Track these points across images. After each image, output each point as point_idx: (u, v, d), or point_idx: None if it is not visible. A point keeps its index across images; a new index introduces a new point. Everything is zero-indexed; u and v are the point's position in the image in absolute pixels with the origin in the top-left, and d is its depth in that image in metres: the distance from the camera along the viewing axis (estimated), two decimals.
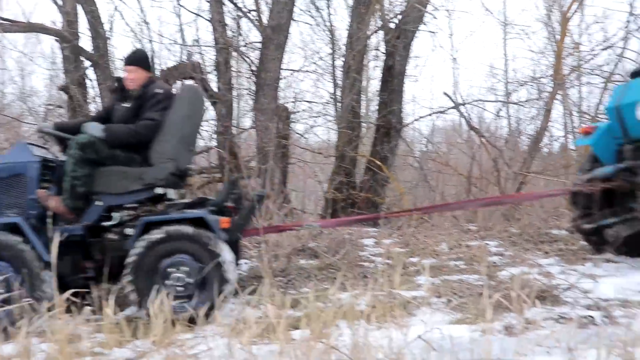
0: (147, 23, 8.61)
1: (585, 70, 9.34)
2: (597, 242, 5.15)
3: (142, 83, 4.35)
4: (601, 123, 5.49)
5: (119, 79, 4.54)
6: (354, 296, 4.22)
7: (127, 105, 4.32)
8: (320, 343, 2.79)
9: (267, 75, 7.43)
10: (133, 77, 4.35)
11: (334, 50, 8.28)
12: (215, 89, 8.19)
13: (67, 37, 7.61)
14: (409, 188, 8.66)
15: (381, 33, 8.33)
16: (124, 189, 4.13)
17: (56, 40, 7.98)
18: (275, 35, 7.41)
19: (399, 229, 6.77)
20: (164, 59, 8.70)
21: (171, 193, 4.31)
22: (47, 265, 3.65)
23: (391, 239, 6.23)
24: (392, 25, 8.08)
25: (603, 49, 8.95)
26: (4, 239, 3.85)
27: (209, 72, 8.50)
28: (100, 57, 7.77)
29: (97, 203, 4.12)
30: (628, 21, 8.79)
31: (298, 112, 9.42)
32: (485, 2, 13.82)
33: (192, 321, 3.55)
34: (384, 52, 8.23)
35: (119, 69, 5.43)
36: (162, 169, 4.15)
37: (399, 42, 7.84)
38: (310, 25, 8.79)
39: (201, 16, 8.14)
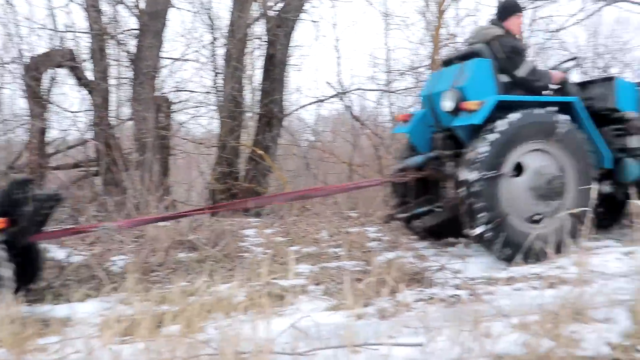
0: (11, 5, 8.01)
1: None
2: (415, 231, 5.32)
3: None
4: (418, 110, 5.53)
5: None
6: (231, 288, 4.19)
7: None
8: (188, 338, 2.70)
9: (144, 64, 7.14)
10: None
11: (215, 39, 8.10)
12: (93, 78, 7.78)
13: None
14: (292, 177, 8.67)
15: (264, 21, 8.25)
16: None
17: None
18: (152, 22, 7.14)
19: (281, 218, 6.77)
20: (34, 45, 8.09)
21: None
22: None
23: (272, 228, 6.22)
24: (272, 14, 8.01)
25: None
26: None
27: (84, 60, 8.04)
28: None
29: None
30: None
31: (180, 102, 9.13)
32: None
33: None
34: (266, 40, 8.16)
35: None
36: None
37: (280, 30, 7.80)
38: (191, 12, 8.50)
39: (72, 1, 7.64)
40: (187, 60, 8.69)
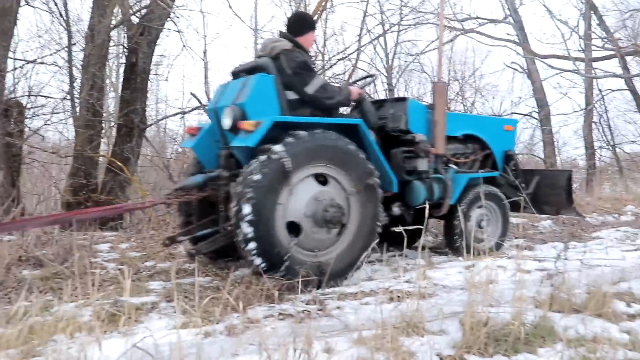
0: None
1: (326, 79, 10.01)
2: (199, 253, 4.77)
3: None
4: (206, 124, 5.12)
5: None
6: (77, 307, 4.00)
7: None
8: None
9: None
10: None
11: (73, 42, 7.70)
12: None
13: None
14: (151, 189, 8.40)
15: (125, 28, 7.99)
16: None
17: None
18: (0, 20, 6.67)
19: (139, 232, 6.56)
20: None
21: None
22: None
23: (128, 243, 6.00)
24: (135, 21, 7.78)
25: (340, 59, 9.68)
26: None
27: None
28: None
29: None
30: (360, 36, 9.64)
31: (34, 107, 8.58)
32: (234, 7, 13.96)
33: None
34: (127, 48, 7.90)
35: None
36: None
37: (143, 38, 7.58)
38: (47, 12, 8.03)
39: None
40: (42, 63, 8.21)
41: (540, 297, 3.48)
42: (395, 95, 12.42)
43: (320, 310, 3.62)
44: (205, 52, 8.94)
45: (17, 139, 7.78)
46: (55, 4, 7.73)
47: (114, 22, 7.64)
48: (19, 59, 7.90)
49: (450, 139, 5.55)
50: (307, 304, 3.80)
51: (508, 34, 13.60)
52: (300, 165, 4.22)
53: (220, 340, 3.16)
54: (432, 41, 12.55)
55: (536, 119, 13.43)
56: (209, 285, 4.40)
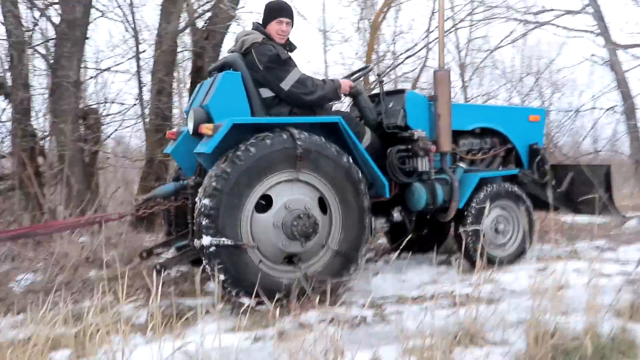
0: None
1: (393, 77, 9.82)
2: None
3: None
4: (185, 127, 4.61)
5: None
6: (136, 308, 4.03)
7: None
8: None
9: (62, 74, 6.87)
10: None
11: (141, 50, 7.89)
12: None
13: None
14: None
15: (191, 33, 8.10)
16: None
17: None
18: (70, 31, 6.88)
19: None
20: None
21: None
22: None
23: None
24: (200, 25, 7.87)
25: (408, 57, 9.46)
26: None
27: (4, 70, 7.69)
28: None
29: None
30: (428, 32, 9.38)
31: (109, 114, 8.84)
32: (300, 9, 13.88)
33: None
34: (193, 52, 8.00)
35: None
36: None
37: (208, 42, 7.65)
38: (118, 21, 8.26)
39: None
40: (115, 71, 8.45)
41: (619, 306, 3.16)
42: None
43: (376, 315, 3.47)
44: None
45: (93, 144, 8.02)
46: (124, 14, 7.91)
47: (179, 27, 7.72)
48: (93, 68, 8.16)
49: (462, 134, 5.02)
50: (362, 307, 3.64)
51: (587, 25, 12.94)
52: (261, 176, 3.82)
53: (269, 346, 3.06)
54: (506, 36, 12.05)
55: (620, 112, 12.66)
56: None
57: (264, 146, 3.79)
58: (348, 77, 4.78)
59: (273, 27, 4.33)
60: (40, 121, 7.99)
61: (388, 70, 5.11)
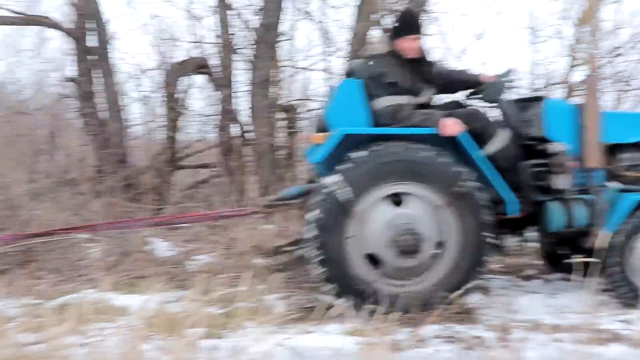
0: (156, 17, 8.80)
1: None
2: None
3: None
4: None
5: None
6: (282, 298, 4.26)
7: None
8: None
9: (258, 74, 7.52)
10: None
11: (329, 49, 8.29)
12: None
13: (69, 31, 7.87)
14: None
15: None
16: None
17: (66, 32, 8.20)
18: (266, 35, 7.47)
19: None
20: (171, 55, 8.81)
21: None
22: None
23: None
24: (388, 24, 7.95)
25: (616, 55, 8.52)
26: None
27: (214, 68, 8.58)
28: (104, 51, 8.00)
29: None
30: None
31: (306, 110, 9.36)
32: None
33: None
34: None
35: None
36: None
37: None
38: (314, 22, 8.74)
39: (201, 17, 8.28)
40: (311, 69, 8.94)
41: None
42: None
43: (499, 339, 3.28)
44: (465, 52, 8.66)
45: (289, 139, 8.59)
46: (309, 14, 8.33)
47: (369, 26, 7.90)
48: (289, 66, 8.70)
49: (624, 147, 4.34)
50: (489, 329, 3.46)
51: None
52: (363, 191, 3.78)
53: (379, 355, 3.06)
54: None
55: None
56: None
57: (370, 157, 3.78)
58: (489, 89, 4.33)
59: (404, 43, 4.16)
60: (244, 115, 8.78)
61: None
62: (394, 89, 4.04)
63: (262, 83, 7.50)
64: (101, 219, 6.36)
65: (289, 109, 8.69)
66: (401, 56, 4.15)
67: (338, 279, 3.80)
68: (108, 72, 7.95)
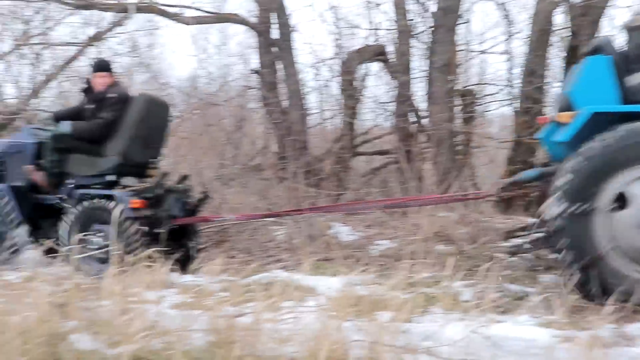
0: (334, 7, 9.02)
1: None
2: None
3: (107, 86, 5.08)
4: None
5: (88, 82, 5.25)
6: (466, 286, 4.18)
7: (91, 106, 5.10)
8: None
9: (436, 59, 7.39)
10: (102, 82, 5.11)
11: (511, 31, 7.91)
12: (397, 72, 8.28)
13: (255, 25, 8.33)
14: None
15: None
16: (86, 173, 5.01)
17: (251, 27, 8.70)
18: (445, 19, 7.32)
19: None
20: (348, 43, 8.98)
21: (130, 180, 5.01)
22: (21, 223, 4.92)
23: None
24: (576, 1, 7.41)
25: None
26: None
27: (391, 55, 8.62)
28: (285, 43, 8.38)
29: (69, 181, 5.05)
30: None
31: (484, 95, 9.08)
32: None
33: None
34: (567, 31, 7.60)
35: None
36: (111, 161, 4.96)
37: (584, 20, 7.15)
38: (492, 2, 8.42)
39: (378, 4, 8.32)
40: (491, 52, 8.65)
41: None
42: None
43: None
44: None
45: (466, 125, 8.40)
46: None
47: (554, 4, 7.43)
48: (470, 50, 8.48)
49: None
50: None
51: None
52: (624, 166, 3.55)
53: (575, 350, 2.88)
54: None
55: None
56: None
57: (620, 138, 3.58)
58: None
59: None
60: (420, 102, 8.73)
61: None
62: None
63: (441, 68, 7.38)
64: (285, 204, 6.71)
65: (467, 94, 8.49)
66: None
67: (585, 265, 3.65)
68: (290, 63, 8.30)
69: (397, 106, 8.28)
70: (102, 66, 5.27)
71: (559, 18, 7.88)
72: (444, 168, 7.34)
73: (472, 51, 8.81)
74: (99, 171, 5.01)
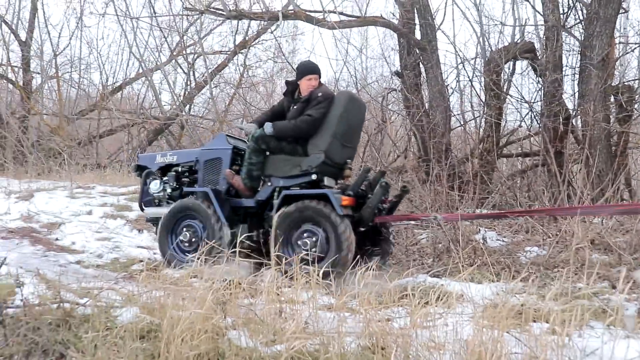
0: (478, 6, 8.80)
1: None
2: None
3: (313, 88, 5.06)
4: None
5: (293, 83, 5.25)
6: (629, 300, 3.92)
7: (297, 107, 5.10)
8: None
9: (592, 53, 6.95)
10: (310, 84, 5.11)
11: None
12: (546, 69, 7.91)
13: (398, 27, 8.32)
14: None
15: None
16: (287, 174, 5.00)
17: (393, 30, 8.72)
18: (602, 9, 6.85)
19: None
20: (494, 40, 8.74)
21: (329, 181, 5.02)
22: (224, 225, 4.95)
23: None
24: None
25: None
26: (197, 204, 5.07)
27: (540, 52, 8.26)
28: (429, 43, 8.29)
29: (268, 184, 5.09)
30: None
31: None
32: None
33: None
34: None
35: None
36: (315, 159, 4.90)
37: None
38: None
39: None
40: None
41: None
42: None
43: None
44: None
45: (622, 124, 7.83)
46: None
47: None
48: (627, 43, 7.89)
49: None
50: None
51: None
52: None
53: None
54: None
55: None
56: None
57: None
58: None
59: None
60: (570, 100, 8.27)
61: None
62: None
63: (597, 64, 6.92)
64: (428, 207, 6.63)
65: (625, 91, 7.91)
66: None
67: None
68: (432, 64, 8.21)
69: (546, 105, 7.90)
70: (312, 69, 5.23)
71: None
72: (598, 171, 6.89)
73: (630, 43, 8.17)
74: (301, 171, 4.97)
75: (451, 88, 8.99)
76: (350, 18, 8.55)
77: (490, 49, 8.59)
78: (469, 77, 8.97)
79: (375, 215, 4.93)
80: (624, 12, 7.77)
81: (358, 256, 4.63)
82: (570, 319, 3.42)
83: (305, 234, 4.74)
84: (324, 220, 4.66)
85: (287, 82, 5.47)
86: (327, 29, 8.70)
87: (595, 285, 4.06)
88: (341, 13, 8.52)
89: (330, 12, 8.64)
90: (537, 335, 2.98)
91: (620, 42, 8.12)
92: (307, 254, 4.41)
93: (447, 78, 8.81)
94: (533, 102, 8.50)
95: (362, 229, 4.96)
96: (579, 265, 4.70)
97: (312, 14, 8.57)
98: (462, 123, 8.99)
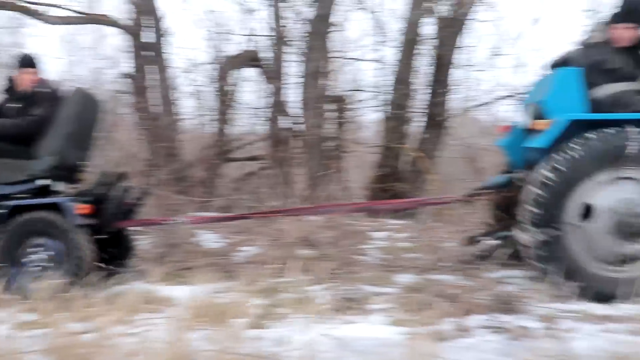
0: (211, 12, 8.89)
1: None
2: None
3: (35, 83, 4.64)
4: (518, 122, 4.69)
5: (11, 80, 4.77)
6: (326, 289, 4.22)
7: (18, 105, 4.58)
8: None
9: (310, 65, 7.52)
10: (28, 78, 4.64)
11: (381, 39, 8.21)
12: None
13: (127, 28, 8.05)
14: (450, 181, 8.26)
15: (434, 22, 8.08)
16: (9, 180, 4.38)
17: (123, 29, 8.37)
18: (318, 26, 7.47)
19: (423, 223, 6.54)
20: (224, 48, 8.90)
21: (59, 186, 4.53)
22: None
23: (406, 232, 6.07)
24: (445, 14, 7.80)
25: None
26: None
27: (265, 61, 8.61)
28: (159, 47, 8.16)
29: None
30: None
31: (356, 101, 9.27)
32: None
33: None
34: (436, 42, 7.99)
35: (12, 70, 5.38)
36: (45, 162, 4.41)
37: (448, 31, 7.56)
38: (366, 13, 8.65)
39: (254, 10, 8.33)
40: (362, 60, 8.88)
41: None
42: None
43: (547, 329, 3.15)
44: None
45: (337, 130, 8.55)
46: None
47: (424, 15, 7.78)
48: (339, 57, 8.65)
49: None
50: (537, 319, 3.33)
51: None
52: (587, 175, 3.81)
53: (423, 345, 2.97)
54: None
55: None
56: (450, 283, 4.18)
57: (589, 145, 3.80)
58: None
59: (619, 31, 4.09)
60: (294, 108, 8.78)
61: None
62: (615, 75, 4.00)
63: (314, 74, 7.49)
64: (153, 212, 6.48)
65: (339, 100, 8.66)
66: (617, 43, 4.07)
67: (557, 263, 3.81)
68: (162, 67, 8.10)
69: (271, 112, 8.31)
70: (28, 62, 4.73)
71: (427, 29, 8.21)
72: (314, 173, 7.44)
73: (345, 58, 8.98)
74: (28, 175, 4.41)
75: (183, 93, 8.96)
76: (74, 14, 8.02)
77: (220, 56, 8.73)
78: (199, 83, 9.02)
79: (115, 221, 4.62)
80: (339, 31, 8.47)
81: (99, 264, 4.32)
82: (266, 312, 3.62)
83: (35, 249, 4.28)
84: (57, 231, 4.24)
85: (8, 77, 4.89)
86: (48, 24, 8.08)
87: (298, 278, 4.29)
88: (65, 8, 7.95)
89: (52, 6, 8.03)
90: (230, 331, 3.05)
91: (336, 57, 8.86)
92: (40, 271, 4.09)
93: (180, 82, 8.78)
94: (260, 109, 8.86)
95: (104, 236, 4.59)
96: (286, 260, 4.98)
97: (30, 6, 7.88)
98: (193, 128, 9.02)
